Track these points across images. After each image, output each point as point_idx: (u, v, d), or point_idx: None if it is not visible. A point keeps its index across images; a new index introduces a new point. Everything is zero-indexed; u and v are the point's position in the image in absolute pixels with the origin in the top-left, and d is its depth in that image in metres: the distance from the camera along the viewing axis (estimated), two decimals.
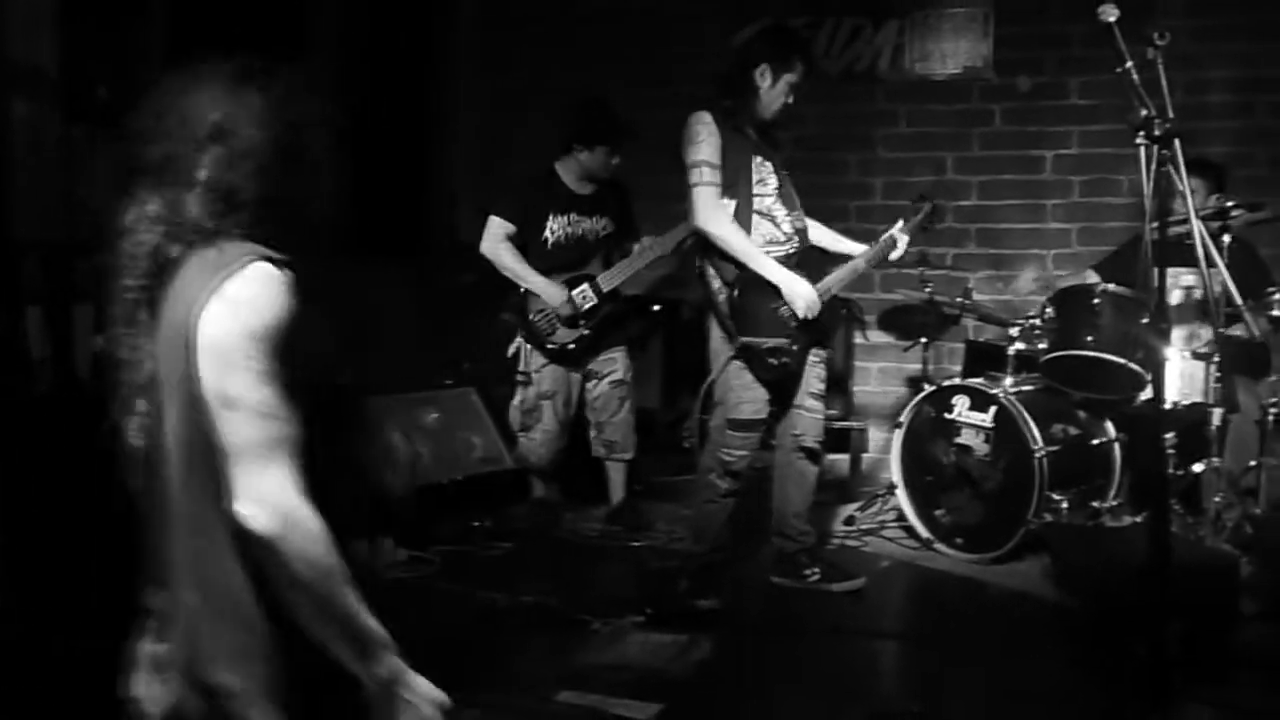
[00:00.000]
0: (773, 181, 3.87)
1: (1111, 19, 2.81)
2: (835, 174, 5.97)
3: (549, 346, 4.72)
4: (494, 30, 6.53)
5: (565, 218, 4.74)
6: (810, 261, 3.93)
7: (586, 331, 4.72)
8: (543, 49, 6.33)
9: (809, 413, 3.96)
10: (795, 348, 3.79)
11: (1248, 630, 3.51)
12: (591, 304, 4.70)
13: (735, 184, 3.76)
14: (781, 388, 3.88)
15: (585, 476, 5.00)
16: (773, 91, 3.82)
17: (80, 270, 3.93)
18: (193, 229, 1.49)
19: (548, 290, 4.66)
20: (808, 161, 5.82)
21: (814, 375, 3.96)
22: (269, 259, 1.48)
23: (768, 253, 3.76)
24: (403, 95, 6.14)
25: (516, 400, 4.84)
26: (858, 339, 5.93)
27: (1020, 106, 5.74)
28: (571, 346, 4.72)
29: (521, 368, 4.80)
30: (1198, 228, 2.69)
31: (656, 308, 5.93)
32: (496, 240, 4.72)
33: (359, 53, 5.68)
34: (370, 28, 5.80)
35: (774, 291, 3.72)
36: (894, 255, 4.08)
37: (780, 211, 3.86)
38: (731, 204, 3.75)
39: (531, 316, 4.70)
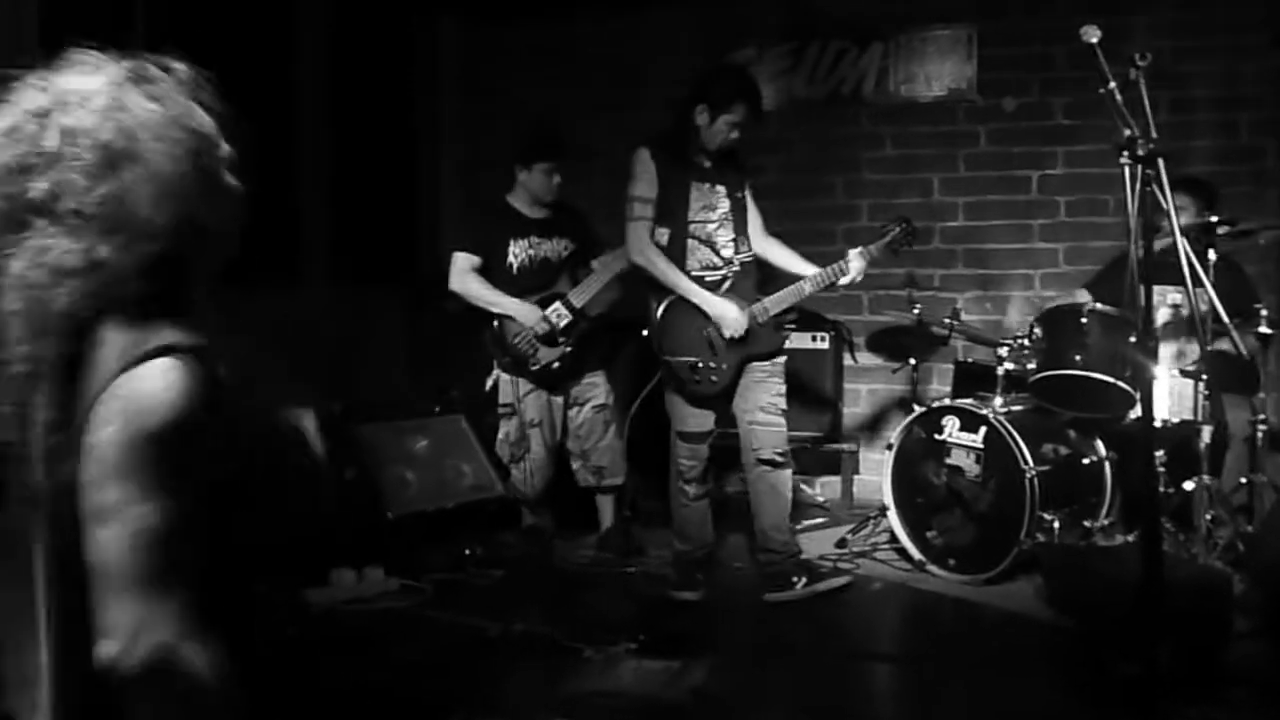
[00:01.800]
0: (722, 206, 4.11)
1: (1094, 40, 2.84)
2: (822, 196, 6.00)
3: (534, 368, 4.72)
4: (480, 60, 6.56)
5: (525, 241, 4.78)
6: (764, 280, 4.25)
7: (569, 349, 4.72)
8: (527, 77, 6.35)
9: (762, 426, 4.14)
10: (720, 365, 4.05)
11: (1240, 648, 3.50)
12: (567, 320, 4.72)
13: (673, 212, 4.04)
14: (717, 403, 4.15)
15: (575, 504, 4.99)
16: (711, 129, 4.03)
17: None
18: (106, 282, 1.26)
19: (522, 310, 4.68)
20: (794, 184, 5.91)
21: (764, 391, 4.14)
22: (175, 348, 1.27)
23: (703, 278, 4.07)
24: (389, 125, 6.16)
25: (502, 434, 4.83)
26: (847, 361, 5.93)
27: (1005, 127, 5.76)
28: (556, 365, 4.73)
29: (503, 399, 4.80)
30: (1182, 245, 2.69)
31: (645, 333, 5.93)
32: (463, 274, 4.76)
33: (346, 83, 5.70)
34: (358, 57, 5.81)
35: (702, 313, 4.02)
36: (844, 279, 4.16)
37: (722, 237, 4.12)
38: (666, 232, 4.04)
39: (512, 341, 4.70)
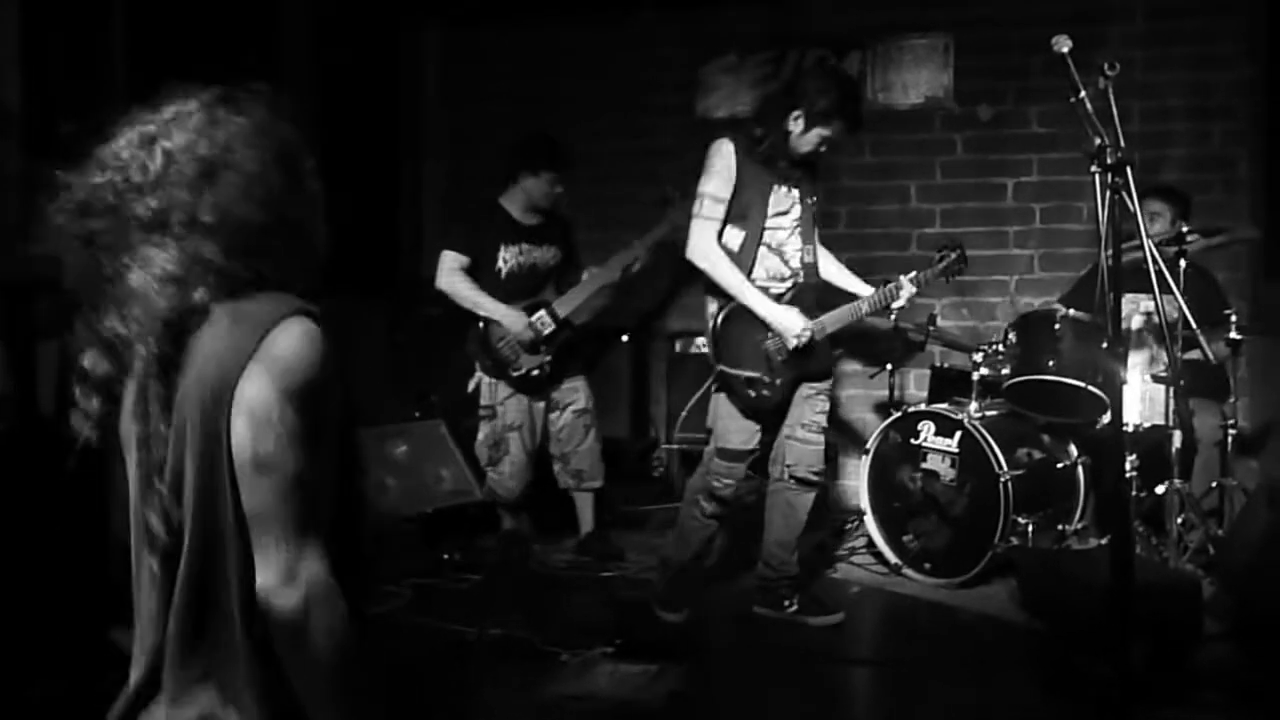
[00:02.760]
0: (795, 212, 3.86)
1: (1064, 50, 2.87)
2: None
3: (514, 374, 4.73)
4: (461, 69, 6.57)
5: (517, 248, 4.78)
6: (816, 295, 3.95)
7: (548, 357, 4.74)
8: (510, 86, 6.37)
9: (800, 442, 3.94)
10: (775, 381, 3.79)
11: (1211, 650, 3.55)
12: (551, 329, 4.72)
13: (747, 215, 3.75)
14: (769, 418, 3.89)
15: (555, 508, 5.00)
16: (802, 138, 3.77)
17: (43, 307, 3.92)
18: (216, 276, 1.39)
19: (508, 316, 4.69)
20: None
21: (809, 407, 3.93)
22: (305, 312, 1.41)
23: (769, 288, 3.78)
24: (370, 131, 6.17)
25: (481, 435, 4.84)
26: None
27: (981, 135, 5.82)
28: (536, 373, 4.74)
29: (484, 401, 4.81)
30: (1150, 253, 2.73)
31: (624, 338, 5.98)
32: (451, 273, 4.75)
33: (328, 89, 5.71)
34: (340, 65, 5.82)
35: (763, 324, 3.74)
36: (897, 304, 3.97)
37: (791, 246, 3.86)
38: (740, 235, 3.75)
39: (496, 345, 4.72)
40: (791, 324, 3.74)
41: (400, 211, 6.47)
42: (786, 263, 3.85)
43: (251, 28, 5.22)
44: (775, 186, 3.80)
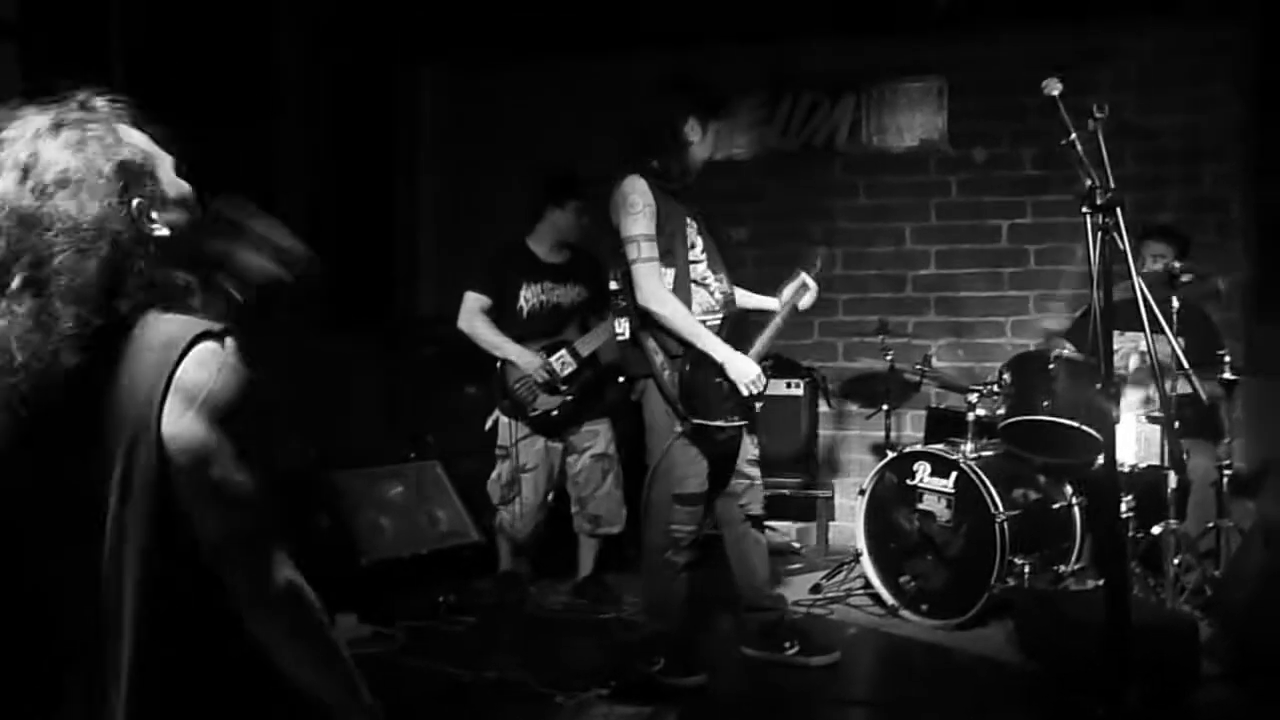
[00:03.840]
0: (700, 243, 3.78)
1: (1055, 92, 2.91)
2: (797, 244, 6.04)
3: (532, 414, 4.73)
4: (457, 103, 6.63)
5: (539, 286, 4.79)
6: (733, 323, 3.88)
7: (569, 397, 4.73)
8: (505, 122, 6.41)
9: (750, 481, 3.93)
10: (737, 422, 3.75)
11: (1208, 691, 3.53)
12: (571, 369, 4.72)
13: (672, 251, 3.66)
14: (723, 461, 3.85)
15: (555, 549, 4.98)
16: (704, 144, 3.75)
17: None
18: (75, 326, 1.34)
19: (523, 357, 4.69)
20: (770, 232, 5.97)
21: (748, 441, 3.92)
22: (210, 333, 1.40)
23: (704, 322, 3.68)
24: (366, 169, 6.21)
25: (495, 474, 4.83)
26: (823, 407, 5.97)
27: (976, 177, 5.87)
28: (555, 413, 4.73)
29: (500, 441, 4.80)
30: (1141, 293, 2.75)
31: (623, 379, 5.96)
32: (472, 315, 4.77)
33: (322, 127, 5.75)
34: (334, 102, 5.87)
35: (718, 367, 3.65)
36: (804, 304, 3.99)
37: (710, 277, 3.79)
38: (670, 274, 3.65)
39: (513, 385, 4.72)
40: (748, 372, 3.66)
41: (396, 248, 6.49)
42: (712, 295, 3.78)
43: (247, 66, 5.26)
44: (687, 219, 3.73)
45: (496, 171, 6.28)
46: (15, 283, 1.35)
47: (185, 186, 1.56)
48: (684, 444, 3.68)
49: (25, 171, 1.38)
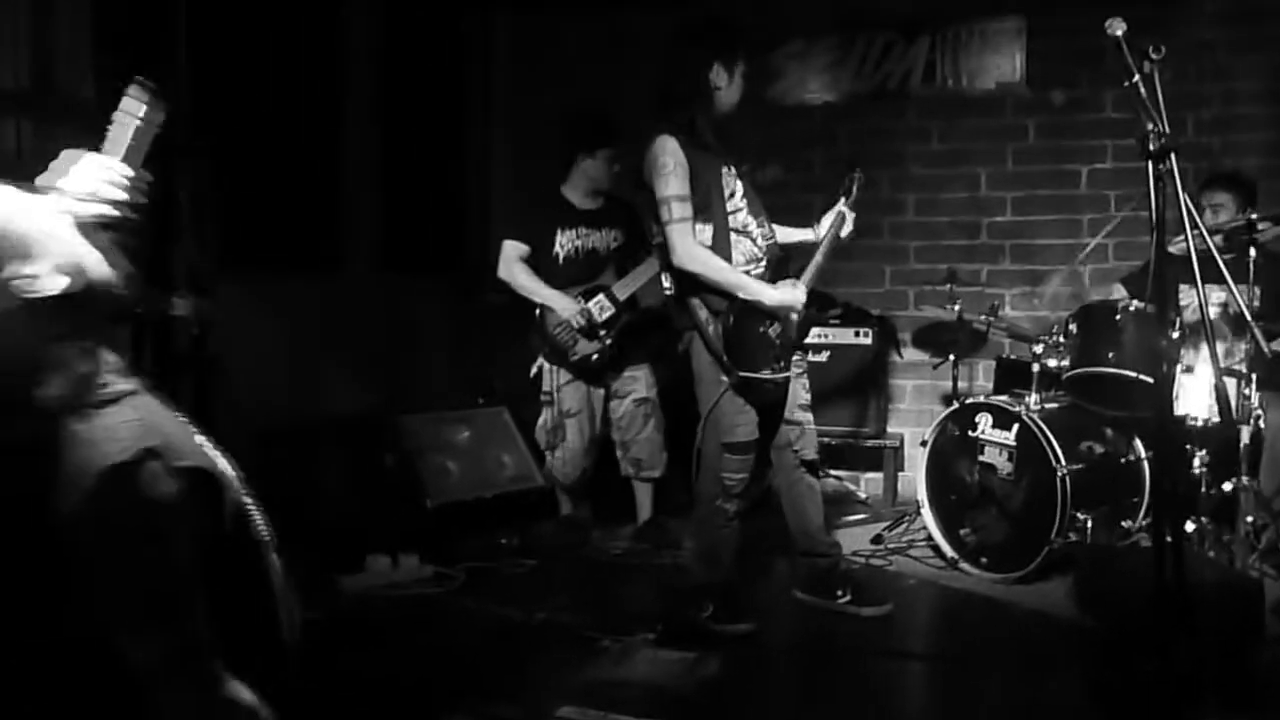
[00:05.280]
0: (739, 190, 3.74)
1: (1118, 32, 2.81)
2: (867, 190, 5.95)
3: (573, 359, 4.76)
4: (531, 50, 6.61)
5: (574, 231, 4.82)
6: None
7: (609, 342, 4.76)
8: (578, 68, 6.37)
9: (801, 425, 3.90)
10: (785, 369, 3.72)
11: (1271, 651, 3.43)
12: (610, 313, 4.75)
13: (709, 206, 3.61)
14: (772, 409, 3.82)
15: (615, 494, 5.03)
16: (731, 88, 3.69)
17: None
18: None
19: (560, 302, 4.73)
20: (839, 179, 5.84)
21: (800, 385, 3.89)
22: (131, 462, 1.40)
23: (748, 271, 3.66)
24: (438, 115, 6.25)
25: (541, 420, 4.89)
26: (893, 357, 5.90)
27: (1054, 121, 5.70)
28: (595, 358, 4.77)
29: (544, 387, 4.86)
30: (1194, 243, 2.65)
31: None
32: (511, 262, 4.82)
33: (396, 74, 5.79)
34: (408, 50, 5.91)
35: (762, 313, 3.63)
36: (845, 232, 3.92)
37: (752, 224, 3.75)
38: (708, 229, 3.61)
39: (552, 331, 4.76)
40: (795, 299, 3.65)
41: (467, 196, 6.54)
42: (755, 243, 3.73)
43: (316, 17, 5.31)
44: (723, 169, 3.68)
45: (573, 116, 6.24)
46: None
47: (56, 212, 1.47)
48: (732, 395, 3.66)
49: None
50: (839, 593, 3.95)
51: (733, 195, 3.72)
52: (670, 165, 3.55)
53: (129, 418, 1.41)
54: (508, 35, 6.70)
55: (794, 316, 3.70)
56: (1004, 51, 5.74)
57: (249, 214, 4.72)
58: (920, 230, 5.92)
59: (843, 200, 3.97)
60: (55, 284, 1.37)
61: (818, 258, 3.84)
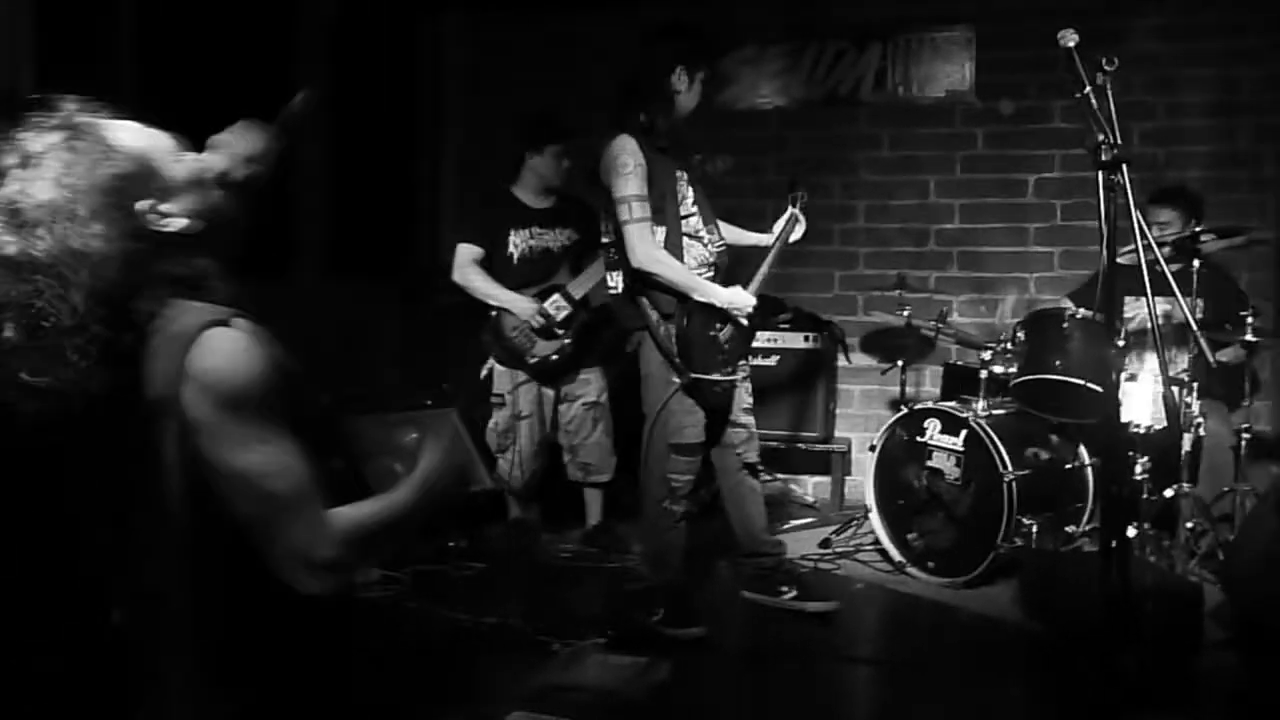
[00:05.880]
0: (690, 195, 3.78)
1: (1071, 44, 2.84)
2: (818, 197, 5.93)
3: (531, 361, 4.73)
4: (479, 52, 6.57)
5: (526, 231, 4.79)
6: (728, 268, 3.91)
7: (567, 341, 4.73)
8: (526, 70, 6.34)
9: (745, 429, 3.95)
10: (733, 372, 3.77)
11: (1212, 658, 3.49)
12: (567, 312, 4.72)
13: (663, 209, 3.64)
14: (719, 411, 3.85)
15: (564, 498, 5.01)
16: (690, 93, 3.72)
17: None
18: (92, 319, 1.36)
19: (517, 303, 4.69)
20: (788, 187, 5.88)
21: (743, 390, 3.93)
22: (219, 321, 1.43)
23: (699, 275, 3.71)
24: (387, 116, 6.19)
25: (492, 422, 4.85)
26: (840, 361, 5.93)
27: (1002, 130, 5.76)
28: (555, 358, 4.74)
29: (496, 389, 4.82)
30: (1142, 254, 2.68)
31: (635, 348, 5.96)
32: (465, 267, 4.78)
33: (345, 73, 5.72)
34: (358, 51, 5.84)
35: (713, 315, 3.68)
36: (794, 237, 4.04)
37: (703, 229, 3.79)
38: (661, 231, 3.64)
39: (508, 334, 4.72)
40: (744, 301, 3.71)
41: (417, 197, 6.48)
42: (706, 247, 3.78)
43: (267, 16, 5.24)
44: (677, 173, 3.72)
45: (524, 114, 6.21)
46: (7, 333, 1.34)
47: (195, 164, 1.57)
48: (680, 395, 3.69)
49: (6, 213, 1.38)
50: (784, 590, 4.00)
51: (685, 200, 3.75)
52: (630, 165, 3.58)
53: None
54: (458, 37, 6.64)
55: (743, 321, 3.75)
56: (954, 60, 5.80)
57: None
58: (870, 236, 5.96)
59: (792, 207, 4.06)
60: (179, 224, 1.49)
61: (767, 260, 3.91)
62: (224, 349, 1.41)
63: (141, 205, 1.45)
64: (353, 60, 5.78)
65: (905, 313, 4.91)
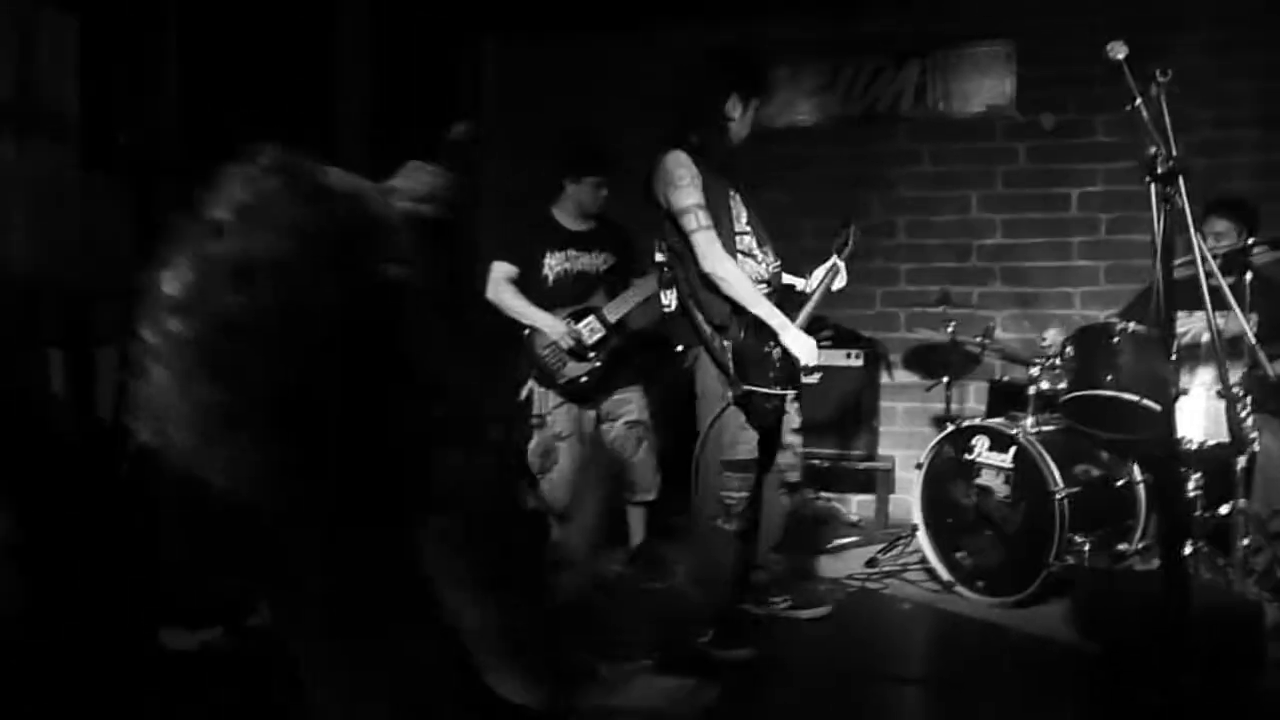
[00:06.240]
0: (744, 215, 3.79)
1: (1120, 56, 2.82)
2: (858, 214, 5.94)
3: (561, 382, 4.72)
4: (516, 76, 6.60)
5: (563, 254, 4.79)
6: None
7: (597, 364, 4.72)
8: (563, 97, 6.35)
9: (793, 449, 3.97)
10: (785, 390, 3.76)
11: (1272, 678, 3.42)
12: (599, 335, 4.71)
13: (719, 223, 3.65)
14: (771, 429, 3.84)
15: (608, 518, 4.98)
16: (743, 121, 3.77)
17: (102, 314, 4.01)
18: None
19: (547, 323, 4.69)
20: (831, 201, 5.86)
21: (794, 411, 3.94)
22: None
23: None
24: (428, 136, 6.20)
25: (532, 443, 4.84)
26: (884, 379, 5.89)
27: (1044, 144, 5.70)
28: (584, 379, 4.72)
29: (535, 410, 4.81)
30: (1201, 267, 2.65)
31: (680, 348, 5.93)
32: (499, 284, 4.78)
33: (386, 97, 5.76)
34: (397, 73, 5.87)
35: (769, 333, 3.67)
36: (837, 286, 3.98)
37: (757, 249, 3.79)
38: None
39: (540, 353, 4.72)
40: (804, 347, 3.69)
41: (456, 221, 6.49)
42: (760, 265, 3.78)
43: (308, 38, 5.28)
44: (729, 193, 3.75)
45: (563, 140, 6.22)
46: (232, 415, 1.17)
47: (405, 205, 1.60)
48: (734, 411, 3.68)
49: (230, 271, 1.22)
50: (774, 599, 4.04)
51: (739, 218, 3.76)
52: (687, 178, 3.61)
53: None
54: (498, 59, 6.68)
55: (811, 354, 3.73)
56: (994, 75, 5.76)
57: None
58: (911, 253, 5.93)
59: (835, 255, 4.01)
60: (403, 270, 1.37)
61: (808, 307, 3.87)
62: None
63: (368, 250, 1.33)
64: (392, 81, 5.81)
65: (950, 328, 4.87)
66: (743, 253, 3.73)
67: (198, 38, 4.38)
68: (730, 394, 3.65)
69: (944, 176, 5.89)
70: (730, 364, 3.64)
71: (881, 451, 5.86)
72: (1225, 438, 4.06)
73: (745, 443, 3.71)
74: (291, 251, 1.18)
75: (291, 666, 1.36)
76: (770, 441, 3.85)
